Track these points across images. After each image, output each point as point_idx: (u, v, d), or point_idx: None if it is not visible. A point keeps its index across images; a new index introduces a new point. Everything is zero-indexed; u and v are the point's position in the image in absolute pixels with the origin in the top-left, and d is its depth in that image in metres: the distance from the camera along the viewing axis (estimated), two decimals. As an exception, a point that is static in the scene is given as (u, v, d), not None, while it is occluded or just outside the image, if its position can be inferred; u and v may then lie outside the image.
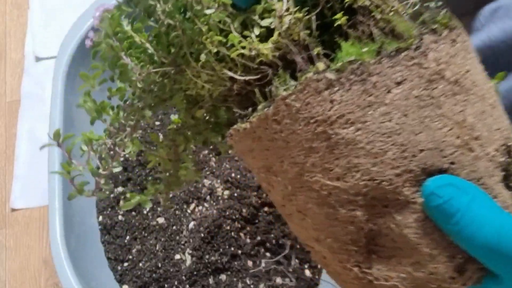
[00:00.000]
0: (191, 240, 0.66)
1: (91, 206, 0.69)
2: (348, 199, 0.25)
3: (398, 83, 0.24)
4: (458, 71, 0.25)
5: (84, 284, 0.56)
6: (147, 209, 0.69)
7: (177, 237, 0.67)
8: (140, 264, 0.65)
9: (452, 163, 0.24)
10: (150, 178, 0.70)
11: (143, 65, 0.30)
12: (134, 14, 0.30)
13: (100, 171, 0.32)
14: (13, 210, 0.78)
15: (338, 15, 0.28)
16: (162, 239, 0.67)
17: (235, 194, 0.67)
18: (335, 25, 0.28)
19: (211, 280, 0.63)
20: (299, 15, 0.27)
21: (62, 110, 0.65)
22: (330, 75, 0.24)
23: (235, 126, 0.29)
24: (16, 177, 0.80)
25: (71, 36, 0.68)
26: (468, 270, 0.24)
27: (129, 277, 0.65)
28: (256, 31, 0.28)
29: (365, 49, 0.25)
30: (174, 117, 0.36)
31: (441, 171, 0.24)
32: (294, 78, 0.26)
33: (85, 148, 0.32)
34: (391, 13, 0.26)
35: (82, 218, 0.66)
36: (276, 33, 0.27)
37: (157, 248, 0.66)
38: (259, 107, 0.27)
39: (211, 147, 0.70)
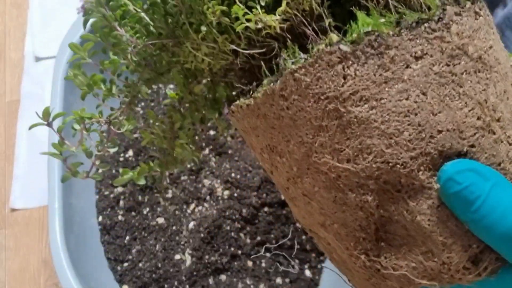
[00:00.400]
0: (191, 240, 0.65)
1: (91, 206, 0.69)
2: (359, 183, 0.24)
3: (418, 58, 0.22)
4: (481, 46, 0.24)
5: (84, 284, 0.56)
6: (147, 209, 0.69)
7: (177, 237, 0.67)
8: (140, 265, 0.65)
9: (472, 146, 0.23)
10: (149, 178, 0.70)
11: (139, 37, 0.28)
12: None
13: (95, 152, 0.30)
14: (13, 210, 0.78)
15: None
16: (162, 239, 0.67)
17: (235, 194, 0.67)
18: None
19: (211, 280, 0.63)
20: None
21: (62, 110, 0.65)
22: (345, 48, 0.22)
23: (237, 102, 0.27)
24: (16, 177, 0.79)
25: (71, 36, 0.68)
26: (484, 260, 0.23)
27: (129, 278, 0.65)
28: (262, 1, 0.26)
29: (382, 20, 0.23)
30: (170, 92, 0.34)
31: (460, 154, 0.23)
32: (304, 51, 0.24)
33: (77, 127, 0.29)
34: None
35: (82, 218, 0.66)
36: (284, 3, 0.25)
37: (157, 248, 0.66)
38: (265, 81, 0.25)
39: (211, 147, 0.70)
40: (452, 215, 0.23)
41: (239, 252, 0.64)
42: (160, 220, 0.68)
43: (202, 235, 0.65)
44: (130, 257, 0.66)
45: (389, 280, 0.25)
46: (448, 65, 0.23)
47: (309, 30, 0.25)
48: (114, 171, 0.71)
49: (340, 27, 0.25)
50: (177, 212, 0.68)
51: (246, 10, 0.25)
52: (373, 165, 0.23)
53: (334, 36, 0.23)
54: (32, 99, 0.85)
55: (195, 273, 0.64)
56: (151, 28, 0.28)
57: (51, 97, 0.66)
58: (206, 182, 0.70)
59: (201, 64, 0.28)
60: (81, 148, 0.29)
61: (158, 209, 0.69)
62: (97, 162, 0.30)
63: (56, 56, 0.68)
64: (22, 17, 0.92)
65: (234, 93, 0.31)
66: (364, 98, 0.22)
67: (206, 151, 0.71)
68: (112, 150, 0.30)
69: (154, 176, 0.34)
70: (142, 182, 0.33)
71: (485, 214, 0.21)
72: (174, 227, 0.67)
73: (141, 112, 0.74)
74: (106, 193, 0.70)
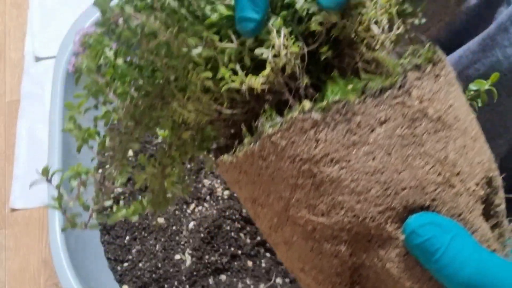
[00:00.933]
0: (191, 240, 0.65)
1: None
2: (333, 235, 0.26)
3: (382, 123, 0.25)
4: (440, 107, 0.26)
5: (84, 284, 0.56)
6: (147, 210, 0.69)
7: (177, 237, 0.67)
8: (140, 264, 0.65)
9: (433, 200, 0.25)
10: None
11: (129, 99, 0.30)
12: (117, 47, 0.29)
13: (92, 205, 0.32)
14: (13, 210, 0.78)
15: (323, 49, 0.28)
16: (162, 239, 0.67)
17: (235, 194, 0.67)
18: (322, 57, 0.28)
19: (211, 280, 0.63)
20: (296, 49, 0.27)
21: (62, 110, 0.65)
22: (316, 115, 0.25)
23: (221, 158, 0.30)
24: (16, 177, 0.79)
25: (70, 36, 0.68)
26: None
27: (129, 277, 0.65)
28: (247, 61, 0.28)
29: (350, 87, 0.26)
30: (161, 132, 0.36)
31: (423, 208, 0.25)
32: (281, 112, 0.27)
33: (74, 183, 0.31)
34: (377, 46, 0.27)
35: (81, 218, 0.66)
36: (268, 68, 0.27)
37: (157, 248, 0.66)
38: (245, 141, 0.28)
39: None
40: (418, 262, 0.25)
41: (239, 252, 0.64)
42: (160, 220, 0.68)
43: (202, 235, 0.65)
44: (130, 257, 0.66)
45: None
46: (409, 128, 0.25)
47: (287, 93, 0.27)
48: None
49: (314, 84, 0.28)
50: (177, 212, 0.68)
51: (231, 73, 0.27)
52: (345, 219, 0.25)
53: (307, 104, 0.25)
54: (32, 99, 0.85)
55: (195, 273, 0.64)
56: (140, 88, 0.30)
57: (51, 97, 0.66)
58: (206, 182, 0.70)
59: (188, 119, 0.30)
60: (78, 203, 0.31)
61: (158, 209, 0.69)
62: (94, 215, 0.33)
63: (56, 56, 0.68)
64: (22, 17, 0.92)
65: (220, 140, 0.34)
66: (334, 160, 0.25)
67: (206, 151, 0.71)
68: (107, 203, 0.31)
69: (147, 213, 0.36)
70: (135, 219, 0.36)
71: (445, 264, 0.23)
72: (174, 227, 0.67)
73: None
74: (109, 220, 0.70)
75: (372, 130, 0.25)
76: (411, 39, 0.30)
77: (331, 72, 0.28)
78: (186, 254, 0.65)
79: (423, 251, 0.24)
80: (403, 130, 0.25)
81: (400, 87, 0.25)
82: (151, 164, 0.35)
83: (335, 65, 0.29)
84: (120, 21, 0.28)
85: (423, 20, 0.32)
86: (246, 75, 0.27)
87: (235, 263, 0.64)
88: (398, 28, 0.28)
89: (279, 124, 0.26)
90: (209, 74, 0.27)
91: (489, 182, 0.28)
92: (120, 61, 0.29)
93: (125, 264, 0.66)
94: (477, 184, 0.27)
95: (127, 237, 0.67)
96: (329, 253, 0.27)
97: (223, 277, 0.64)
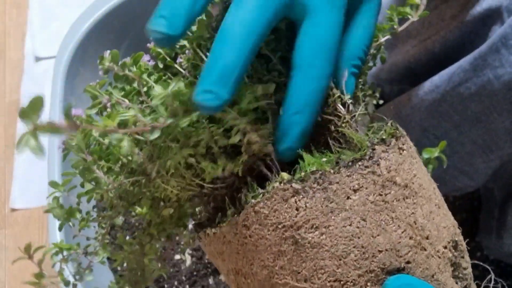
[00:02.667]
0: (191, 241, 0.65)
1: (90, 206, 0.69)
2: None
3: (356, 190, 0.27)
4: (406, 176, 0.28)
5: (84, 284, 0.56)
6: (147, 209, 0.69)
7: (177, 237, 0.67)
8: (140, 264, 0.65)
9: (408, 262, 0.27)
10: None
11: (114, 177, 0.31)
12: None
13: (74, 281, 0.33)
14: (13, 210, 0.78)
15: None
16: (162, 239, 0.67)
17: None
18: None
19: (211, 281, 0.63)
20: (264, 131, 0.29)
21: (62, 110, 0.65)
22: (296, 185, 0.27)
23: (205, 230, 0.31)
24: (16, 177, 0.79)
25: (70, 36, 0.68)
26: None
27: (129, 277, 0.65)
28: (222, 142, 0.29)
29: (324, 159, 0.28)
30: (138, 210, 0.37)
31: (399, 269, 0.27)
32: (260, 184, 0.29)
33: (56, 259, 0.32)
34: (344, 125, 0.30)
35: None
36: (245, 155, 0.29)
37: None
38: (229, 212, 0.29)
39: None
40: None
41: (239, 252, 0.64)
42: (160, 220, 0.68)
43: (202, 235, 0.65)
44: (130, 257, 0.66)
45: None
46: (380, 195, 0.27)
47: (266, 171, 0.29)
48: (114, 171, 0.71)
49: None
50: (177, 212, 0.68)
51: (212, 165, 0.29)
52: (327, 283, 0.27)
53: (285, 175, 0.28)
54: (32, 99, 0.85)
55: (195, 273, 0.64)
56: (124, 166, 0.31)
57: (51, 97, 0.66)
58: (206, 182, 0.70)
59: (170, 194, 0.32)
60: (60, 278, 0.33)
61: (158, 209, 0.69)
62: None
63: (56, 56, 0.68)
64: (22, 17, 0.92)
65: (200, 216, 0.36)
66: (314, 226, 0.26)
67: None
68: (88, 279, 0.34)
69: None
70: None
71: None
72: (174, 227, 0.67)
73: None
74: (106, 193, 0.70)
75: (348, 198, 0.27)
76: (373, 118, 0.34)
77: (305, 147, 0.31)
78: (186, 254, 0.65)
79: None
80: (375, 197, 0.27)
81: (369, 158, 0.27)
82: (129, 243, 0.36)
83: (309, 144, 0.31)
84: (109, 104, 0.30)
85: (381, 101, 0.37)
86: (225, 153, 0.29)
87: (235, 263, 0.64)
88: (363, 108, 0.32)
89: (261, 194, 0.28)
90: (191, 151, 0.29)
91: (455, 246, 0.30)
92: (107, 140, 0.31)
93: (125, 264, 0.66)
94: (445, 247, 0.29)
95: (127, 237, 0.67)
96: None
97: (223, 277, 0.64)
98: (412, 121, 0.49)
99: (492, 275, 0.31)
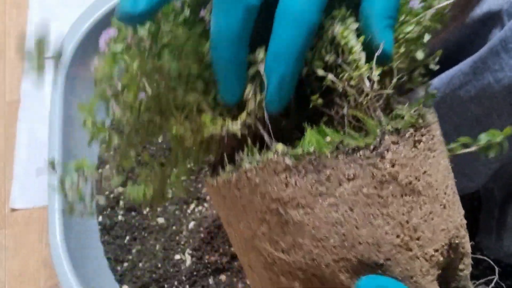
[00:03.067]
0: (191, 240, 0.65)
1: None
2: (290, 271, 0.28)
3: (350, 179, 0.26)
4: (412, 173, 0.27)
5: (84, 284, 0.56)
6: (147, 209, 0.69)
7: (177, 237, 0.67)
8: (140, 265, 0.65)
9: (387, 259, 0.26)
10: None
11: (130, 113, 0.32)
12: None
13: (87, 199, 0.35)
14: (13, 210, 0.78)
15: (314, 97, 0.29)
16: (162, 239, 0.67)
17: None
18: (311, 104, 0.30)
19: (211, 281, 0.63)
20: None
21: (62, 110, 0.65)
22: (289, 161, 0.26)
23: (207, 180, 0.32)
24: (16, 177, 0.79)
25: (70, 36, 0.68)
26: None
27: (129, 278, 0.65)
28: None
29: (328, 139, 0.27)
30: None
31: (377, 264, 0.26)
32: (262, 148, 0.28)
33: (75, 177, 0.34)
34: (365, 101, 0.28)
35: (81, 218, 0.66)
36: (244, 112, 0.28)
37: (157, 248, 0.66)
38: (227, 169, 0.29)
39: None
40: None
41: (239, 252, 0.64)
42: (160, 220, 0.68)
43: (202, 235, 0.65)
44: (130, 257, 0.66)
45: None
46: (376, 189, 0.26)
47: (266, 136, 0.28)
48: (114, 171, 0.71)
49: (300, 127, 0.29)
50: (177, 212, 0.68)
51: (212, 117, 0.29)
52: (303, 260, 0.27)
53: (280, 146, 0.27)
54: (32, 99, 0.85)
55: (195, 273, 0.64)
56: (143, 103, 0.32)
57: (51, 97, 0.66)
58: (206, 182, 0.70)
59: (185, 134, 0.32)
60: (77, 193, 0.34)
61: (158, 209, 0.69)
62: (87, 210, 0.35)
63: (56, 56, 0.68)
64: (22, 17, 0.92)
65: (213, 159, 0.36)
66: (300, 205, 0.26)
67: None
68: (101, 201, 0.35)
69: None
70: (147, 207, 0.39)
71: None
72: (174, 227, 0.67)
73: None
74: (106, 193, 0.70)
75: (340, 185, 0.26)
76: (400, 101, 0.31)
77: (321, 116, 0.30)
78: (186, 254, 0.65)
79: None
80: (369, 190, 0.26)
81: (374, 148, 0.26)
82: (154, 163, 0.37)
83: (324, 112, 0.30)
84: (133, 41, 0.29)
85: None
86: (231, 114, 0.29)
87: (235, 263, 0.64)
88: (390, 87, 0.29)
89: (255, 162, 0.27)
90: (203, 97, 0.29)
91: (455, 247, 0.29)
92: (135, 65, 0.30)
93: (125, 264, 0.66)
94: (436, 250, 0.28)
95: (127, 237, 0.67)
96: (284, 287, 0.29)
97: (223, 277, 0.64)
98: None
99: (497, 277, 0.30)
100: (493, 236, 0.58)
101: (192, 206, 0.68)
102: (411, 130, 0.27)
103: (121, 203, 0.69)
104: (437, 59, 0.33)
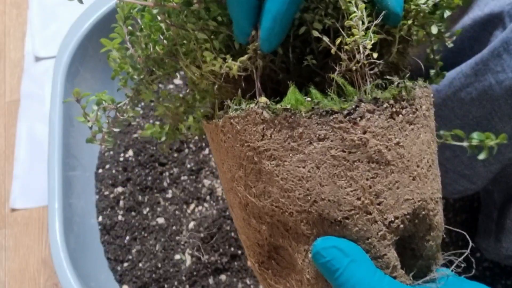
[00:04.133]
0: (191, 240, 0.65)
1: (91, 206, 0.69)
2: (259, 214, 0.30)
3: (320, 139, 0.28)
4: (383, 142, 0.29)
5: (84, 284, 0.56)
6: (147, 209, 0.69)
7: (177, 237, 0.67)
8: (140, 265, 0.65)
9: (346, 218, 0.28)
10: (149, 178, 0.70)
11: (142, 51, 0.34)
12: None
13: (104, 129, 0.37)
14: (13, 210, 0.78)
15: (308, 56, 0.31)
16: (162, 240, 0.67)
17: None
18: (305, 63, 0.31)
19: (211, 280, 0.63)
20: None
21: (62, 110, 0.65)
22: (267, 115, 0.28)
23: (202, 121, 0.34)
24: (16, 177, 0.79)
25: (70, 36, 0.68)
26: None
27: (129, 278, 0.65)
28: (236, 45, 0.31)
29: (308, 99, 0.29)
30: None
31: (335, 221, 0.28)
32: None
33: (95, 107, 0.36)
34: (354, 69, 0.29)
35: (81, 218, 0.66)
36: (246, 56, 0.30)
37: (157, 248, 0.66)
38: (216, 113, 0.32)
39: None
40: None
41: (239, 252, 0.64)
42: (160, 220, 0.68)
43: (202, 235, 0.65)
44: (130, 257, 0.66)
45: None
46: (344, 152, 0.28)
47: (258, 84, 0.30)
48: (114, 171, 0.71)
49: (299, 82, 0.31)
50: (177, 212, 0.68)
51: (214, 55, 0.31)
52: (270, 206, 0.29)
53: (262, 100, 0.29)
54: (32, 99, 0.85)
55: (195, 273, 0.64)
56: (156, 42, 0.34)
57: (51, 97, 0.66)
58: (206, 182, 0.70)
59: (193, 76, 0.34)
60: (96, 124, 0.36)
61: (158, 209, 0.69)
62: (106, 136, 0.38)
63: (56, 56, 0.68)
64: (22, 17, 0.92)
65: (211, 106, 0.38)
66: (273, 156, 0.29)
67: (206, 151, 0.71)
68: (116, 130, 0.38)
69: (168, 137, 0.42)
70: (163, 138, 0.41)
71: (341, 283, 0.27)
72: (174, 227, 0.67)
73: (141, 112, 0.74)
74: (106, 193, 0.70)
75: (310, 143, 0.28)
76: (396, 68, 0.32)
77: (317, 76, 0.32)
78: (186, 254, 0.65)
79: (325, 269, 0.28)
80: (337, 151, 0.28)
81: (348, 114, 0.28)
82: (176, 97, 0.40)
83: (319, 73, 0.32)
84: None
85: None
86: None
87: (235, 263, 0.64)
88: (386, 58, 0.31)
89: (240, 110, 0.29)
90: (208, 45, 0.31)
91: (422, 218, 0.31)
92: (155, 11, 0.33)
93: (125, 264, 0.66)
94: (396, 218, 0.29)
95: (127, 237, 0.67)
96: (254, 228, 0.31)
97: (223, 277, 0.64)
98: None
99: (468, 251, 0.31)
100: (492, 239, 0.58)
101: (192, 206, 0.68)
102: (391, 101, 0.29)
103: (121, 203, 0.69)
104: (454, 37, 0.33)
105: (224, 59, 0.30)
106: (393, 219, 0.29)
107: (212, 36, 0.31)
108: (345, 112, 0.28)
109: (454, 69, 0.45)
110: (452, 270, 0.31)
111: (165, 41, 0.34)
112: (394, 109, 0.29)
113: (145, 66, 0.35)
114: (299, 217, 0.29)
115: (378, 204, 0.29)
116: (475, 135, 0.36)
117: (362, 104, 0.28)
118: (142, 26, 0.34)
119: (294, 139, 0.28)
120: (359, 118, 0.28)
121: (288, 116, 0.28)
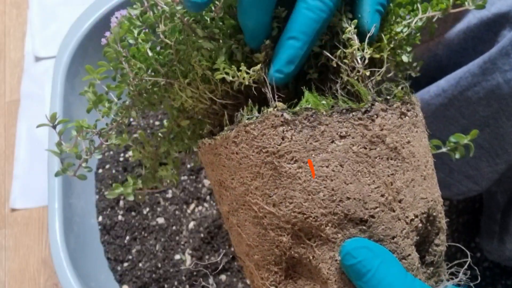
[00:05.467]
0: (191, 240, 0.65)
1: (91, 206, 0.69)
2: (279, 225, 0.29)
3: (342, 137, 0.28)
4: (398, 140, 0.29)
5: (84, 284, 0.56)
6: (147, 209, 0.69)
7: (177, 237, 0.67)
8: (140, 265, 0.65)
9: (372, 216, 0.28)
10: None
11: (137, 72, 0.33)
12: (141, 28, 0.34)
13: (83, 155, 0.36)
14: (13, 210, 0.78)
15: (311, 70, 0.32)
16: (162, 239, 0.67)
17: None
18: (307, 77, 0.32)
19: (211, 280, 0.63)
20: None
21: (62, 110, 0.65)
22: (287, 116, 0.28)
23: (203, 140, 0.33)
24: (16, 177, 0.79)
25: (70, 36, 0.68)
26: None
27: (129, 278, 0.65)
28: (240, 57, 0.32)
29: (324, 102, 0.29)
30: (165, 123, 0.41)
31: (362, 220, 0.28)
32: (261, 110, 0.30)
33: (74, 133, 0.35)
34: (355, 77, 0.30)
35: (81, 218, 0.66)
36: (259, 65, 0.30)
37: (157, 248, 0.66)
38: (225, 128, 0.31)
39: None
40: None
41: (239, 252, 0.64)
42: (160, 220, 0.68)
43: (202, 235, 0.65)
44: (130, 257, 0.66)
45: None
46: (365, 148, 0.28)
47: (269, 94, 0.30)
48: (114, 171, 0.71)
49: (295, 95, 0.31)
50: (177, 212, 0.68)
51: (226, 65, 0.30)
52: (292, 213, 0.28)
53: (281, 104, 0.29)
54: (32, 99, 0.85)
55: (195, 273, 0.64)
56: (151, 67, 0.34)
57: (51, 97, 0.66)
58: (206, 182, 0.70)
59: (185, 103, 0.34)
60: (73, 151, 0.35)
61: (158, 209, 0.69)
62: (84, 165, 0.36)
63: (56, 56, 0.68)
64: (22, 17, 0.92)
65: (204, 131, 0.38)
66: (294, 159, 0.28)
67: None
68: (97, 156, 0.36)
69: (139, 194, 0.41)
70: (131, 198, 0.40)
71: (373, 285, 0.26)
72: (174, 227, 0.67)
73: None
74: (106, 193, 0.70)
75: (332, 141, 0.28)
76: (392, 80, 0.34)
77: (315, 91, 0.32)
78: (186, 254, 0.65)
79: (355, 272, 0.27)
80: (359, 148, 0.28)
81: (365, 111, 0.28)
82: (150, 143, 0.39)
83: (318, 87, 0.32)
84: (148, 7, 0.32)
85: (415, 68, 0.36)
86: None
87: (235, 263, 0.64)
88: (381, 67, 0.32)
89: (255, 117, 0.29)
90: (209, 64, 0.31)
91: (432, 220, 0.31)
92: (143, 40, 0.33)
93: (125, 264, 0.66)
94: (416, 216, 0.29)
95: (127, 237, 0.67)
96: (272, 241, 0.30)
97: (223, 277, 0.64)
98: None
99: (469, 260, 0.31)
100: (495, 240, 0.58)
101: (192, 206, 0.68)
102: (399, 103, 0.30)
103: (121, 203, 0.69)
104: (418, 68, 0.36)
105: (238, 68, 0.30)
106: (413, 217, 0.29)
107: (217, 46, 0.31)
108: (363, 109, 0.28)
109: (461, 68, 0.45)
110: (459, 282, 0.31)
111: (159, 64, 0.33)
112: (402, 110, 0.30)
113: (137, 89, 0.34)
114: (324, 220, 0.28)
115: (399, 201, 0.29)
116: (452, 138, 0.37)
117: (376, 103, 0.29)
118: (133, 54, 0.34)
119: (316, 139, 0.28)
120: (375, 116, 0.28)
121: (309, 116, 0.28)
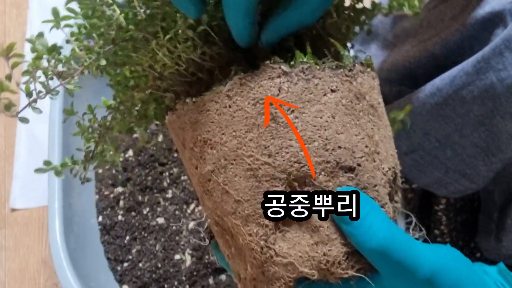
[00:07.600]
0: (191, 240, 0.65)
1: (91, 206, 0.69)
2: (274, 175, 0.30)
3: (333, 91, 0.30)
4: (375, 99, 0.32)
5: (84, 284, 0.56)
6: (147, 209, 0.69)
7: (177, 237, 0.67)
8: (140, 265, 0.65)
9: (359, 164, 0.30)
10: (149, 178, 0.70)
11: (113, 23, 0.33)
12: None
13: (34, 95, 0.36)
14: (13, 210, 0.78)
15: (290, 38, 0.33)
16: (162, 239, 0.67)
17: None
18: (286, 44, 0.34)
19: (211, 280, 0.63)
20: None
21: (62, 109, 0.65)
22: (285, 68, 0.30)
23: (183, 99, 0.33)
24: (16, 177, 0.79)
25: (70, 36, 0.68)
26: (354, 260, 0.29)
27: (129, 278, 0.65)
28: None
29: (312, 61, 0.31)
30: (104, 99, 0.40)
31: (350, 168, 0.29)
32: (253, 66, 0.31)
33: (30, 69, 0.34)
34: (338, 43, 0.33)
35: (81, 218, 0.66)
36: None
37: (157, 248, 0.66)
38: (215, 84, 0.31)
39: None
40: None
41: (239, 252, 0.64)
42: (160, 220, 0.68)
43: (202, 235, 0.65)
44: (130, 257, 0.66)
45: (277, 267, 0.30)
46: (352, 102, 0.30)
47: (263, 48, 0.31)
48: (114, 171, 0.71)
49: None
50: (177, 212, 0.68)
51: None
52: (288, 163, 0.29)
53: (277, 58, 0.30)
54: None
55: (195, 273, 0.64)
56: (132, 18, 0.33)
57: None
58: (206, 182, 0.70)
59: (156, 64, 0.33)
60: (26, 89, 0.34)
61: (158, 209, 0.69)
62: (33, 105, 0.35)
63: (56, 56, 0.68)
64: (22, 17, 0.92)
65: (162, 113, 0.38)
66: (291, 109, 0.29)
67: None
68: (53, 98, 0.35)
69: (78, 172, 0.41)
70: (62, 177, 0.39)
71: (363, 230, 0.27)
72: (174, 227, 0.67)
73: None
74: (106, 193, 0.70)
75: (325, 94, 0.30)
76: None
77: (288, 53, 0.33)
78: (186, 254, 0.65)
79: (347, 218, 0.28)
80: (347, 101, 0.30)
81: (350, 70, 0.31)
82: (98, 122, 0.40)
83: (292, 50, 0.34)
84: None
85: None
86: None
87: (235, 263, 0.64)
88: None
89: (251, 71, 0.30)
90: (192, 23, 0.31)
91: (394, 178, 0.33)
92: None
93: (125, 264, 0.66)
94: (388, 169, 0.32)
95: (127, 237, 0.67)
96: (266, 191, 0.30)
97: (223, 277, 0.64)
98: (414, 125, 0.49)
99: (414, 219, 0.34)
100: (493, 238, 0.58)
101: (192, 206, 0.68)
102: (370, 68, 0.33)
103: (121, 203, 0.69)
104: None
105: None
106: (387, 169, 0.32)
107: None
108: (348, 68, 0.31)
109: (455, 67, 0.45)
110: None
111: (139, 18, 0.33)
112: (373, 75, 0.33)
113: (108, 41, 0.33)
114: (318, 168, 0.29)
115: (378, 153, 0.31)
116: (391, 114, 0.40)
117: (356, 65, 0.31)
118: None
119: (311, 91, 0.30)
120: (357, 75, 0.31)
121: (305, 69, 0.30)
